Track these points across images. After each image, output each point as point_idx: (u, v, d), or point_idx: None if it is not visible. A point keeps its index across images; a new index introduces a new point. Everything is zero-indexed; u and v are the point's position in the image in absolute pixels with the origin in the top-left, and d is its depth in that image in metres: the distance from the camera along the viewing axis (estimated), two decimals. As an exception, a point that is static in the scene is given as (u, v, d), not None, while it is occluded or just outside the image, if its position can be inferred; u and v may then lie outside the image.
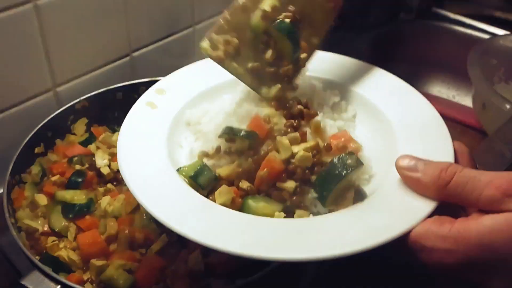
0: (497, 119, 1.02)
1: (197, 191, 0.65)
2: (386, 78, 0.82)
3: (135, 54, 1.02)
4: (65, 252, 0.78)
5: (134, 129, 0.73)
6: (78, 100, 0.94)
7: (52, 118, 0.91)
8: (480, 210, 0.56)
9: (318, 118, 0.72)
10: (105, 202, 0.83)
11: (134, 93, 0.96)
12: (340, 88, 0.81)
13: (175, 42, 1.11)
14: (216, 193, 0.65)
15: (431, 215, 0.58)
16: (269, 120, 0.70)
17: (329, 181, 0.63)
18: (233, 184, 0.68)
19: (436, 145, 0.69)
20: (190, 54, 1.11)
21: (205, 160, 0.70)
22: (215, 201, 0.64)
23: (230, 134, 0.68)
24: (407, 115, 0.75)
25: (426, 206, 0.59)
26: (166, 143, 0.72)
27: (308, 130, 0.71)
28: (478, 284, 0.56)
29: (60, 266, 0.77)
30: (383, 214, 0.59)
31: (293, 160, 0.66)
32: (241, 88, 0.77)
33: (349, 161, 0.63)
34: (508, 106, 0.97)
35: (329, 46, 0.80)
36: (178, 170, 0.67)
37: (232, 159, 0.70)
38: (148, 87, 0.98)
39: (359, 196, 0.64)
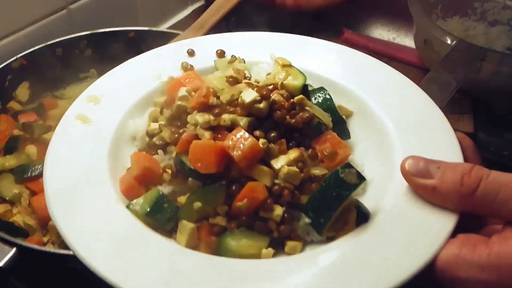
0: (439, 53, 1.06)
1: (156, 231, 0.51)
2: (363, 60, 0.67)
3: (72, 6, 0.97)
4: (20, 218, 0.74)
5: (63, 154, 0.56)
6: (14, 58, 0.88)
7: (-13, 79, 0.86)
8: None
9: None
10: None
11: (74, 48, 0.93)
12: (308, 75, 0.64)
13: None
14: (178, 232, 0.51)
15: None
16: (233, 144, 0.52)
17: (327, 205, 0.49)
18: (204, 217, 0.52)
19: (438, 139, 0.55)
20: (132, 5, 1.06)
21: (161, 188, 0.54)
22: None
23: (181, 170, 0.54)
24: (396, 105, 0.60)
25: (447, 220, 0.47)
26: (108, 168, 0.55)
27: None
28: None
29: (16, 231, 0.73)
30: (397, 238, 0.47)
31: (277, 180, 0.52)
32: None
33: (348, 177, 0.49)
34: (449, 39, 1.00)
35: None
36: (129, 206, 0.52)
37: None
38: (89, 40, 0.93)
39: (360, 215, 0.50)
